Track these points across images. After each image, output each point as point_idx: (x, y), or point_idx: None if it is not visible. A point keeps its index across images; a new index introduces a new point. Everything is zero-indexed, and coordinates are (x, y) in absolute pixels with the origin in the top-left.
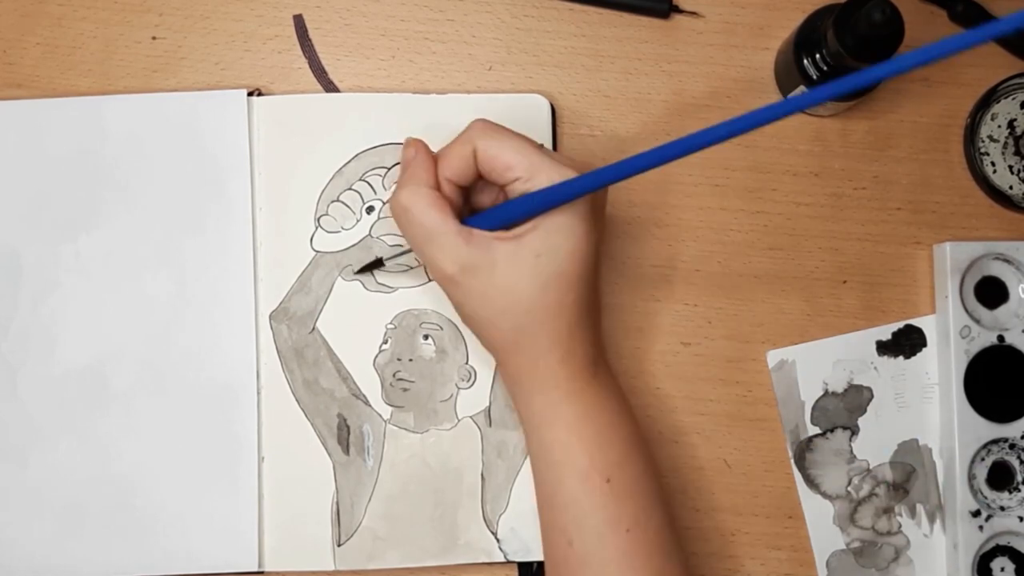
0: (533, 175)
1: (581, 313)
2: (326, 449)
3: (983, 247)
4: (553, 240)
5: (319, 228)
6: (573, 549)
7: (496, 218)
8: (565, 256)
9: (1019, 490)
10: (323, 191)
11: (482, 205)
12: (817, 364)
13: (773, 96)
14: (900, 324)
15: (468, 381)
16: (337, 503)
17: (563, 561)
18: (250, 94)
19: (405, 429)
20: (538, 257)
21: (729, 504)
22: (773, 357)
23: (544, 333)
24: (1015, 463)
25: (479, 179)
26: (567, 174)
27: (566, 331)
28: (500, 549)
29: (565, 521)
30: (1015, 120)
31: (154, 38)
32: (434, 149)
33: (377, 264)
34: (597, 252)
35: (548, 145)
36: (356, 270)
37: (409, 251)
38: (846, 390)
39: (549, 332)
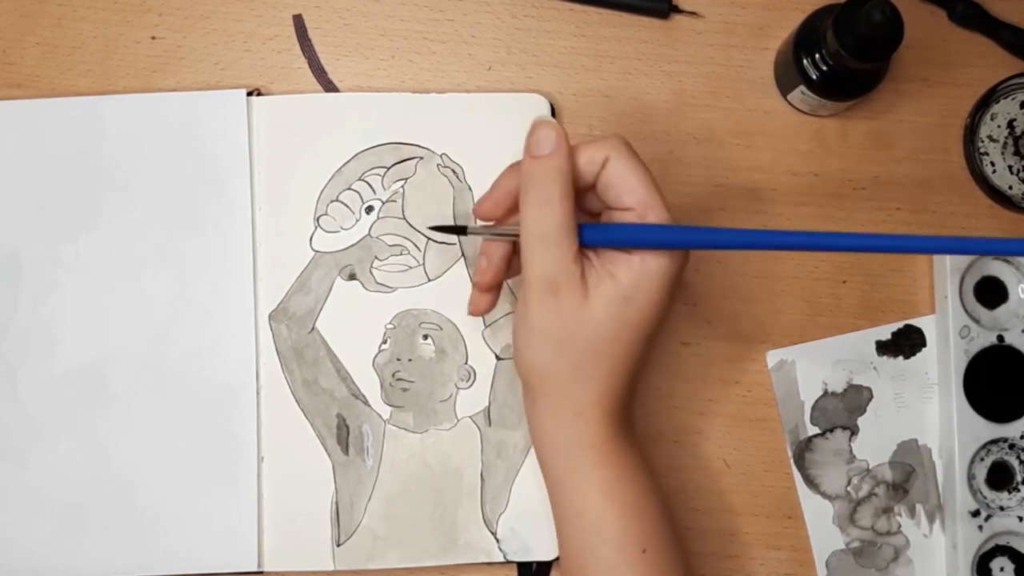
0: (646, 211)
1: (634, 372)
2: (326, 449)
3: None
4: (646, 287)
5: (318, 228)
6: None
7: (610, 236)
8: (650, 307)
9: (1019, 490)
10: (322, 191)
11: None
12: (817, 364)
13: (773, 96)
14: (900, 324)
15: (468, 381)
16: (337, 503)
17: None
18: (250, 94)
19: (405, 429)
20: (626, 301)
21: (729, 504)
22: (773, 357)
23: (600, 382)
24: (1015, 463)
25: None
26: (669, 221)
27: (616, 387)
28: (500, 549)
29: None
30: (1015, 120)
31: (154, 38)
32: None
33: (461, 230)
34: (667, 316)
35: None
36: (435, 226)
37: (409, 252)
38: (846, 390)
39: (604, 382)
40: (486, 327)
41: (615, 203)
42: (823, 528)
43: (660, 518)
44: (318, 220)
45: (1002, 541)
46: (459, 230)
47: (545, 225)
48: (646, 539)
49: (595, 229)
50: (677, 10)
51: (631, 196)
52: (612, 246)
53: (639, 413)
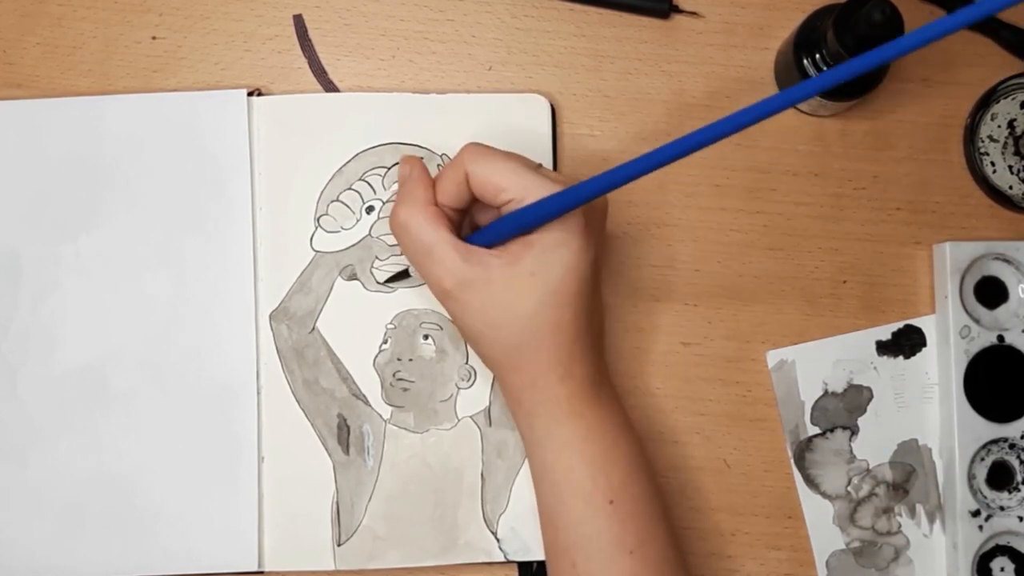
0: (525, 196)
1: (580, 332)
2: (326, 449)
3: (983, 247)
4: (547, 257)
5: (319, 228)
6: (577, 571)
7: (493, 234)
8: (560, 274)
9: (1019, 490)
10: (323, 191)
11: (483, 225)
12: (817, 364)
13: None
14: (900, 324)
15: (468, 381)
16: (337, 503)
17: None
18: (250, 94)
19: (405, 429)
20: (532, 275)
21: (729, 504)
22: (773, 357)
23: (542, 352)
24: (1015, 463)
25: (477, 201)
26: (556, 190)
27: (565, 350)
28: (500, 549)
29: (568, 543)
30: (1015, 120)
31: (154, 38)
32: (436, 150)
33: (403, 275)
34: (595, 270)
35: (548, 145)
36: (386, 280)
37: None
38: (846, 390)
39: (547, 351)
40: None
41: (497, 202)
42: (823, 528)
43: (631, 469)
44: (318, 220)
45: (1002, 541)
46: (404, 275)
47: (423, 248)
48: (613, 491)
49: (476, 236)
50: (677, 10)
51: (505, 192)
52: (499, 239)
53: (639, 412)
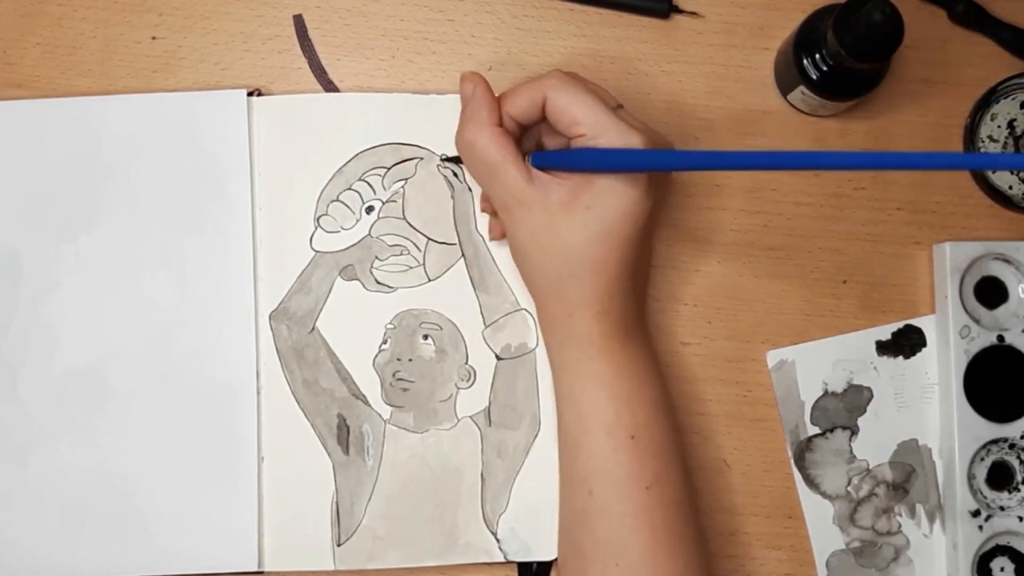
0: (598, 135)
1: (623, 274)
2: (326, 449)
3: (983, 247)
4: (605, 198)
5: (319, 228)
6: (593, 498)
7: (560, 161)
8: (615, 216)
9: (1019, 490)
10: (323, 191)
11: (547, 147)
12: (817, 364)
13: (773, 96)
14: (900, 324)
15: (468, 381)
16: (337, 503)
17: (581, 509)
18: (250, 94)
19: (405, 429)
20: (588, 210)
21: (729, 504)
22: (773, 357)
23: (584, 287)
24: (1015, 463)
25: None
26: (632, 142)
27: (604, 289)
28: (500, 549)
29: (587, 471)
30: (1015, 120)
31: (154, 38)
32: (436, 150)
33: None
34: (650, 217)
35: None
36: (446, 157)
37: (409, 252)
38: (846, 390)
39: (589, 287)
40: (486, 327)
41: (568, 132)
42: (823, 528)
43: (655, 410)
44: (318, 220)
45: (1002, 541)
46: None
47: (489, 167)
48: (636, 427)
49: (542, 157)
50: (677, 10)
51: (579, 126)
52: (562, 169)
53: None
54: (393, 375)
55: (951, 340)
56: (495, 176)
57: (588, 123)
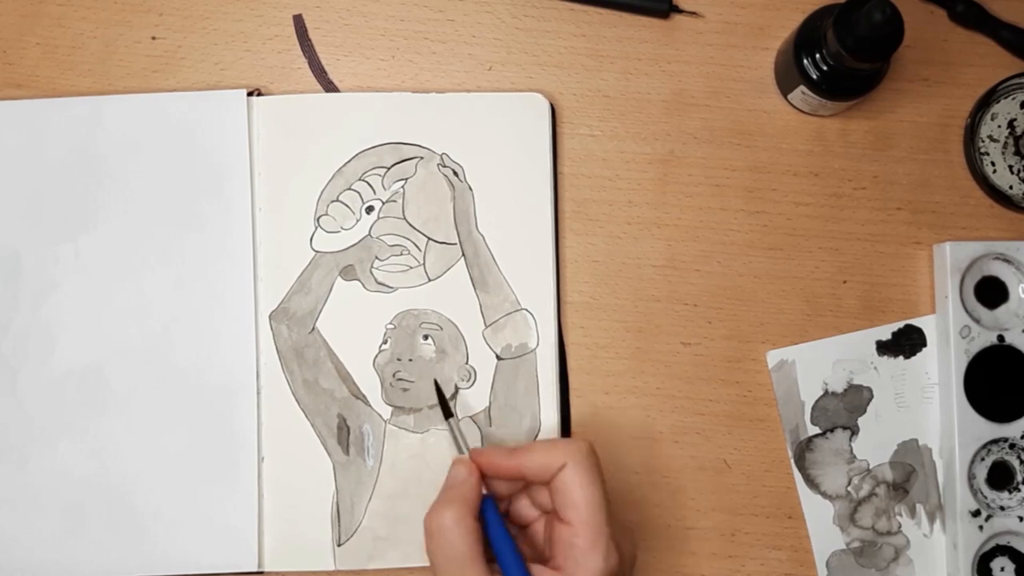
0: (583, 534)
1: None
2: (326, 449)
3: (983, 247)
4: None
5: (319, 228)
6: None
7: (497, 547)
8: None
9: (1019, 490)
10: (323, 191)
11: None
12: (817, 364)
13: (773, 96)
14: (900, 324)
15: (468, 381)
16: (337, 503)
17: None
18: (250, 94)
19: (405, 429)
20: None
21: (729, 504)
22: (773, 357)
23: None
24: (1015, 463)
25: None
26: (611, 561)
27: None
28: None
29: None
30: (1015, 120)
31: (154, 38)
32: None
33: (444, 405)
34: None
35: (548, 145)
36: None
37: (409, 252)
38: (846, 390)
39: None
40: (487, 327)
41: (559, 510)
42: (823, 528)
43: None
44: (318, 220)
45: (1002, 541)
46: (446, 406)
47: (452, 560)
48: None
49: (508, 561)
50: (677, 10)
51: (573, 512)
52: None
53: (639, 412)
54: (393, 375)
55: (951, 340)
56: (453, 569)
57: (581, 517)
